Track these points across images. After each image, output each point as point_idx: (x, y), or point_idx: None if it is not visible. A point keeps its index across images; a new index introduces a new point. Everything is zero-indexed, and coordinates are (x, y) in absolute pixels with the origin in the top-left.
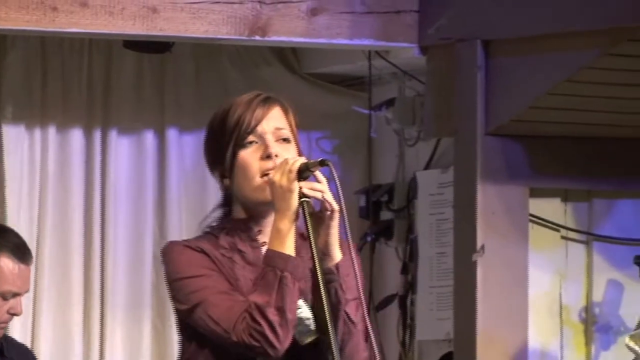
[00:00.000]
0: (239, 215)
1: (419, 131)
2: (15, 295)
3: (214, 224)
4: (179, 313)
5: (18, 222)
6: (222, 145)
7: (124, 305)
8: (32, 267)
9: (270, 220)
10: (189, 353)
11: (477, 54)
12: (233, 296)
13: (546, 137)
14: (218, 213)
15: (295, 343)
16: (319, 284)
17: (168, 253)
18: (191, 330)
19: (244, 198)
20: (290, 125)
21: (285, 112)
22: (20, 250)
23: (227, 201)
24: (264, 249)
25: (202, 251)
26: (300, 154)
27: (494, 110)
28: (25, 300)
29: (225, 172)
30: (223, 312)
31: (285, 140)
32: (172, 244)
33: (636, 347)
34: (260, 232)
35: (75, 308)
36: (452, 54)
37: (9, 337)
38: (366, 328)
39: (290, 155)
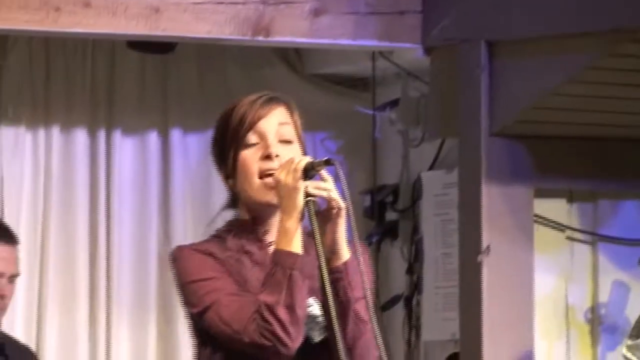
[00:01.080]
0: (244, 215)
1: (423, 132)
2: (1, 275)
3: (221, 227)
4: (192, 317)
5: (18, 224)
6: (225, 145)
7: (129, 306)
8: (36, 265)
9: (275, 220)
10: (205, 357)
11: (481, 55)
12: (243, 297)
13: (550, 138)
14: (224, 214)
15: (307, 341)
16: (324, 283)
17: (177, 257)
18: (205, 333)
19: (247, 199)
20: (295, 126)
21: (290, 112)
22: (2, 231)
23: (233, 202)
24: (271, 249)
25: (211, 254)
26: (305, 155)
27: (497, 111)
28: (30, 300)
29: (228, 173)
30: (233, 313)
31: (288, 141)
32: (180, 248)
33: (634, 358)
34: (266, 232)
35: (81, 309)
36: (456, 54)
37: (10, 336)
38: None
39: (292, 156)
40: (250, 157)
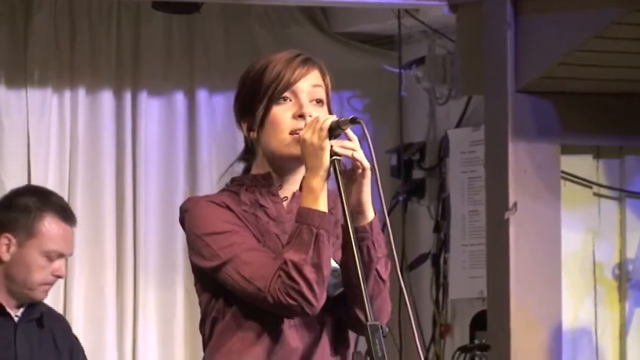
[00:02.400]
0: (260, 169)
1: (449, 89)
2: (61, 256)
3: (230, 182)
4: (203, 270)
5: (45, 185)
6: (256, 98)
7: (156, 267)
8: None
9: (292, 177)
10: (216, 311)
11: (506, 12)
12: (264, 253)
13: (576, 94)
14: (238, 166)
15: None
16: (350, 241)
17: (191, 208)
18: (217, 286)
19: (271, 152)
20: (326, 89)
21: (323, 75)
22: (65, 212)
23: (250, 153)
24: (285, 204)
25: (227, 207)
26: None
27: (523, 67)
28: None
29: (253, 125)
30: (256, 270)
31: (319, 101)
32: (194, 199)
33: None
34: (281, 187)
35: (108, 270)
36: (482, 11)
37: (48, 306)
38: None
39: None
40: (282, 113)
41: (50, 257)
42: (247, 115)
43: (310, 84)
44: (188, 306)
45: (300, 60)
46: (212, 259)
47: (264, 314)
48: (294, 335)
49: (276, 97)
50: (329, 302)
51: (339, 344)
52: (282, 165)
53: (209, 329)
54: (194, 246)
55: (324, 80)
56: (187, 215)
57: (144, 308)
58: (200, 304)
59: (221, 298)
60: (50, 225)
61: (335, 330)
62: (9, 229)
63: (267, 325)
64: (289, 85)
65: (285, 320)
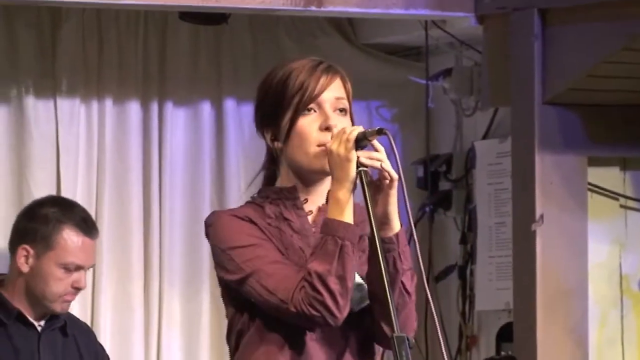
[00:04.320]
0: (285, 181)
1: (476, 101)
2: (79, 268)
3: (256, 194)
4: (229, 283)
5: (74, 195)
6: (280, 108)
7: (181, 277)
8: None
9: (318, 189)
10: (242, 323)
11: (534, 23)
12: (288, 265)
13: (603, 106)
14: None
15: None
16: (377, 253)
17: (215, 222)
18: (242, 300)
19: (297, 165)
20: (348, 96)
21: (344, 82)
22: (85, 224)
23: (274, 163)
24: (310, 217)
25: (251, 220)
26: (353, 124)
27: (550, 79)
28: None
29: (278, 136)
30: (279, 281)
31: (343, 110)
32: (218, 213)
33: None
34: (306, 200)
35: (135, 281)
36: (509, 23)
37: (72, 315)
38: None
39: (346, 126)
40: (309, 126)
41: (68, 269)
42: (270, 125)
43: (334, 94)
44: (214, 317)
45: (323, 68)
46: (236, 272)
47: (288, 327)
48: (317, 349)
49: (302, 109)
50: (353, 316)
51: (364, 359)
52: (309, 178)
53: (235, 342)
54: (218, 260)
55: (345, 87)
56: (210, 230)
57: (169, 318)
58: (226, 316)
59: (246, 311)
60: (68, 237)
61: (360, 344)
62: (29, 240)
63: (291, 338)
64: (314, 97)
65: (309, 333)
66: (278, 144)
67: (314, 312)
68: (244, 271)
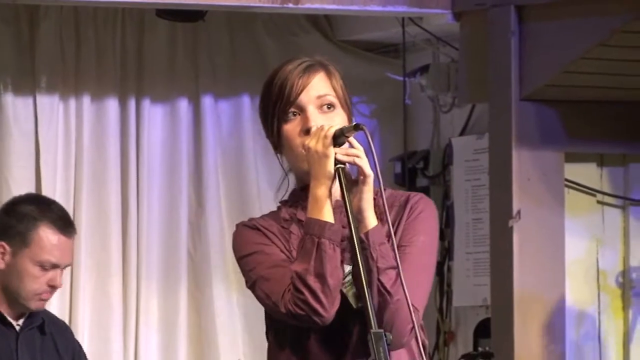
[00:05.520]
0: (297, 184)
1: (453, 97)
2: (55, 266)
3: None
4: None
5: (54, 193)
6: (268, 117)
7: (159, 274)
8: None
9: None
10: (267, 327)
11: (511, 19)
12: (284, 268)
13: (581, 102)
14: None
15: (349, 308)
16: (355, 250)
17: (233, 235)
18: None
19: (294, 169)
20: (335, 89)
21: (329, 76)
22: (62, 222)
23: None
24: None
25: (255, 227)
26: (350, 117)
27: (527, 75)
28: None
29: (275, 144)
30: (273, 285)
31: (331, 106)
32: (237, 225)
33: None
34: None
35: (114, 278)
36: (486, 19)
37: (49, 312)
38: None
39: (334, 123)
40: (292, 131)
41: (44, 267)
42: (268, 135)
43: (315, 93)
44: (191, 313)
45: (301, 70)
46: (247, 281)
47: (293, 329)
48: (318, 347)
49: (282, 116)
50: (354, 313)
51: (366, 356)
52: (307, 181)
53: (268, 342)
54: (240, 270)
55: (330, 81)
56: (232, 243)
57: (146, 315)
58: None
59: (268, 314)
60: (44, 235)
61: (362, 341)
62: (5, 237)
63: (295, 338)
64: (292, 102)
65: (312, 333)
66: (278, 152)
67: (299, 312)
68: (251, 279)
